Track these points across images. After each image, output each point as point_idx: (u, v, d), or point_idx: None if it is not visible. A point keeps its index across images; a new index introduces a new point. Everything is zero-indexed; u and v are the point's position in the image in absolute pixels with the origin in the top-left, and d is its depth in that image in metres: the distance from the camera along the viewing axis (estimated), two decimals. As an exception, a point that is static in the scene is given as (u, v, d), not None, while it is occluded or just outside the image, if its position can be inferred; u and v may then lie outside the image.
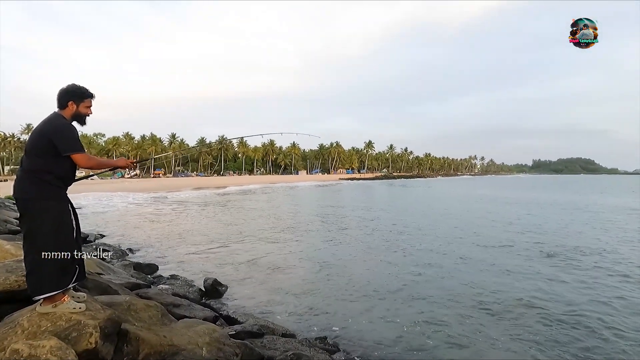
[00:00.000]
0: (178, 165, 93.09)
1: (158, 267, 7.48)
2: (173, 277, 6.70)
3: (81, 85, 2.58)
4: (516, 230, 13.14)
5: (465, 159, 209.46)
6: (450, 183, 74.03)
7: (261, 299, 6.08)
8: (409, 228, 13.91)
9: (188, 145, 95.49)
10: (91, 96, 2.60)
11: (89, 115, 2.62)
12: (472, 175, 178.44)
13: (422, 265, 8.30)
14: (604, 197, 32.00)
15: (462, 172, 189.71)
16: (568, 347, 4.33)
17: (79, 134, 2.59)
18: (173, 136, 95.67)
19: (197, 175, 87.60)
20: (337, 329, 4.96)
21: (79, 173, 2.82)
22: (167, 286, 5.86)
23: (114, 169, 2.88)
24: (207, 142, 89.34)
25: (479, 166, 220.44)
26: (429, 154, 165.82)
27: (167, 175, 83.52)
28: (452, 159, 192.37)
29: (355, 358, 4.06)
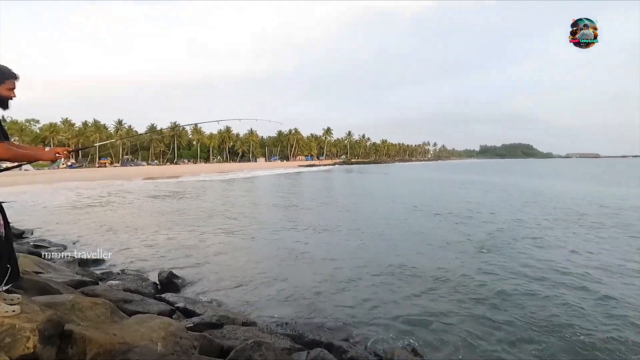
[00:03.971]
0: (126, 154, 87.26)
1: (106, 261, 7.05)
2: (124, 272, 6.35)
3: (2, 64, 2.28)
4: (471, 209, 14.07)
5: (420, 144, 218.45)
6: (406, 168, 76.98)
7: (220, 289, 5.97)
8: (366, 212, 14.32)
9: (137, 132, 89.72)
10: (14, 77, 2.32)
11: (12, 99, 2.34)
12: (426, 160, 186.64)
13: (381, 249, 8.61)
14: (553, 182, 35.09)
15: (416, 157, 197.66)
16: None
17: (6, 119, 2.31)
18: (119, 122, 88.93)
19: (148, 164, 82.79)
20: (299, 314, 5.02)
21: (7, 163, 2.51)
22: (117, 282, 5.54)
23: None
24: (159, 129, 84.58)
25: (432, 152, 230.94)
26: (386, 141, 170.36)
27: (115, 164, 78.01)
28: (407, 145, 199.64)
29: (318, 341, 4.13)
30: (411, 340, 4.15)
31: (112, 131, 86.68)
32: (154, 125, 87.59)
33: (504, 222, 11.48)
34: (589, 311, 4.83)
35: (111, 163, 78.54)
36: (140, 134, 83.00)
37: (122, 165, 76.58)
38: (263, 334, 3.81)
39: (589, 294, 5.45)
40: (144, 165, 78.58)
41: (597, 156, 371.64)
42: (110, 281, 5.60)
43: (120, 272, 6.34)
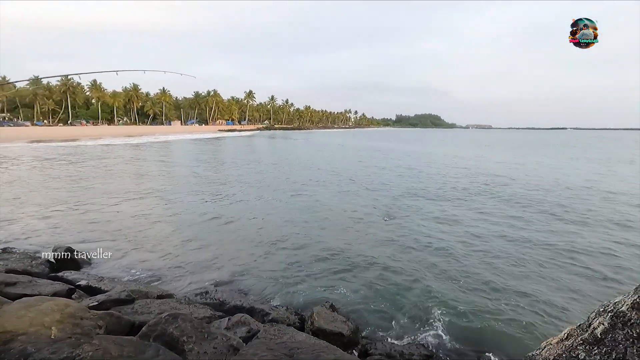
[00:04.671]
0: (1, 112, 72.17)
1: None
2: (6, 250, 5.44)
3: None
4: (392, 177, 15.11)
5: (341, 112, 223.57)
6: (328, 136, 78.68)
7: (132, 262, 5.53)
8: (288, 180, 14.42)
9: (15, 86, 74.13)
10: None
11: None
12: (347, 128, 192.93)
13: (301, 217, 8.82)
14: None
15: (338, 124, 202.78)
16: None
17: None
18: (-11, 72, 72.20)
19: (33, 124, 69.83)
20: (221, 281, 4.94)
21: None
22: (-4, 262, 4.71)
23: None
24: (45, 82, 71.43)
25: (352, 119, 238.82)
26: (309, 107, 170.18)
27: (-15, 123, 63.96)
28: (330, 112, 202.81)
29: (240, 307, 4.13)
30: (329, 298, 4.43)
31: (-22, 82, 70.05)
32: (38, 77, 73.26)
33: (407, 189, 12.67)
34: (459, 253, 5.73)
35: (-21, 122, 64.35)
36: (10, 83, 68.76)
37: (-4, 125, 63.26)
38: (180, 305, 3.66)
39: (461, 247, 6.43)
40: (27, 125, 66.27)
41: (490, 127, 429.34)
42: (-13, 262, 4.73)
43: (0, 250, 5.40)
